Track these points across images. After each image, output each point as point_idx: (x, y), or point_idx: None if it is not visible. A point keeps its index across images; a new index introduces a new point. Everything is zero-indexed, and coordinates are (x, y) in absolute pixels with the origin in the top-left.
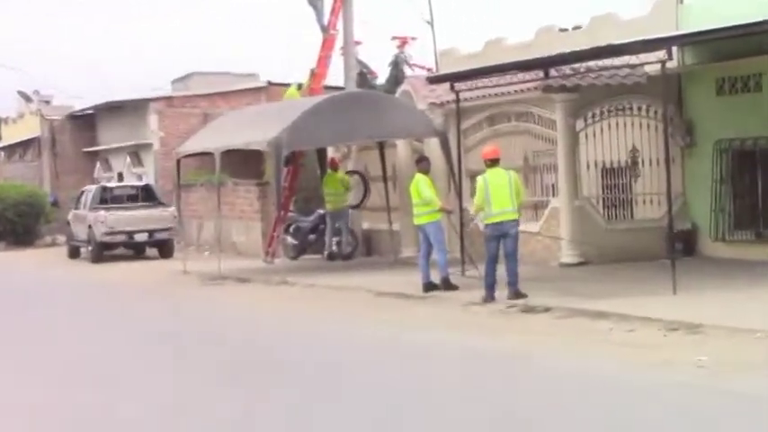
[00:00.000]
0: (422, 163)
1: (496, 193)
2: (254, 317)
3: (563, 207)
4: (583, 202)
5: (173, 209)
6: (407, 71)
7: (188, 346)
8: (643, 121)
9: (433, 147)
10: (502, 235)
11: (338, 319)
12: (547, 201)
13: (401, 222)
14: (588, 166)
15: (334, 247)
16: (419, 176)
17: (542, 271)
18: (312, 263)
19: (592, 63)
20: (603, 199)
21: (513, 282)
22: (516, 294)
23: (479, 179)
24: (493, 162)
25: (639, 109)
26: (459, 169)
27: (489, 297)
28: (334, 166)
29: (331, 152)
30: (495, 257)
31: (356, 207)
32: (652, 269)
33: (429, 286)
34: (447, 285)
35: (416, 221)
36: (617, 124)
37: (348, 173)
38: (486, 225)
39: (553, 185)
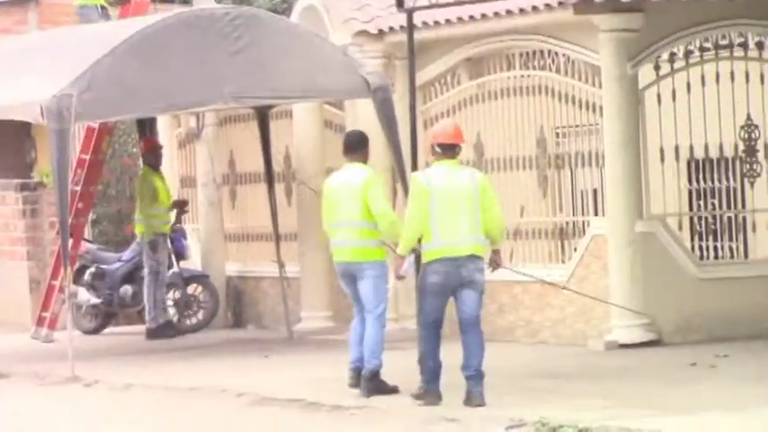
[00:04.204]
0: (357, 147)
1: (447, 208)
2: None
3: (614, 235)
4: (653, 226)
5: None
6: None
7: None
8: None
9: (363, 116)
10: (457, 284)
11: None
12: (583, 222)
13: (303, 262)
14: (663, 157)
15: (172, 310)
16: (367, 174)
17: (574, 357)
18: (130, 340)
19: None
20: (692, 220)
21: (476, 370)
22: (478, 398)
23: (418, 179)
24: (447, 151)
25: (761, 47)
26: (413, 158)
27: (430, 392)
28: (154, 154)
29: (165, 128)
30: (440, 322)
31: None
32: None
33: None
34: (375, 385)
35: (347, 256)
36: (716, 75)
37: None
38: (426, 265)
39: (595, 193)
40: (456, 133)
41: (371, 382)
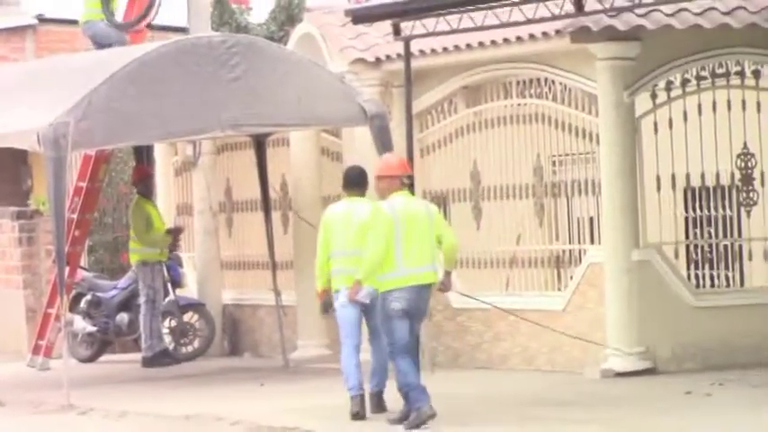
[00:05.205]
0: (359, 183)
1: (410, 237)
2: None
3: (611, 263)
4: (649, 254)
5: None
6: None
7: None
8: (765, 99)
9: (360, 144)
10: (415, 311)
11: None
12: (579, 250)
13: (299, 290)
14: (659, 185)
15: (168, 339)
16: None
17: (570, 385)
18: (126, 368)
19: None
20: (689, 248)
21: (418, 395)
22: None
23: (383, 209)
24: (403, 182)
25: (757, 76)
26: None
27: (428, 412)
28: (145, 183)
29: (162, 156)
30: (411, 345)
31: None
32: None
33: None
34: (379, 402)
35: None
36: (713, 104)
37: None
38: (389, 292)
39: (591, 221)
40: (402, 164)
41: (377, 399)
